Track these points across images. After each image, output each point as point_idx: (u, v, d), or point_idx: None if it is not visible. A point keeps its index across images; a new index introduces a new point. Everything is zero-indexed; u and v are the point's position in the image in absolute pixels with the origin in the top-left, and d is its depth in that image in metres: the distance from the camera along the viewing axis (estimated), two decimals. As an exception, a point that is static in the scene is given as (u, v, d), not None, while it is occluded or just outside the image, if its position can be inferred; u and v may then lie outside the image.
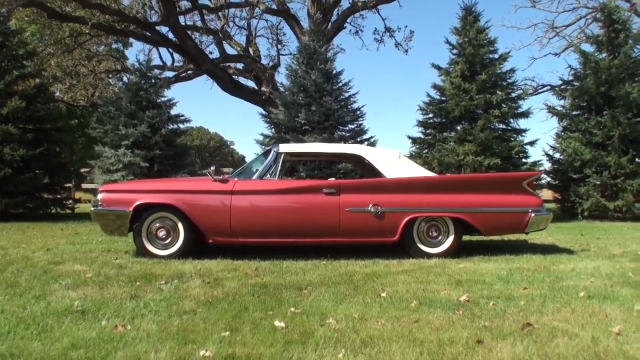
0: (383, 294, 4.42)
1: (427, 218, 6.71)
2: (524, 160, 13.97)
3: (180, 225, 6.57)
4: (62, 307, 3.92)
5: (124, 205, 6.50)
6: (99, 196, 6.63)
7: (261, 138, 14.23)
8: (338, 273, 5.51)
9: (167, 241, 6.59)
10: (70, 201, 15.31)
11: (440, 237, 6.77)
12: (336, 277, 5.27)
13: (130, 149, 13.29)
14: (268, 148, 7.43)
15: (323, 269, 5.81)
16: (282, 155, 6.93)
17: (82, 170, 16.18)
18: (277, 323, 3.53)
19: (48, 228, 10.74)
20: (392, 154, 7.04)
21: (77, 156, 26.45)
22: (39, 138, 13.11)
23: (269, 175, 6.79)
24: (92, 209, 6.65)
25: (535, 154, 60.58)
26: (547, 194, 15.65)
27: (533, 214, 6.67)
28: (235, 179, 6.73)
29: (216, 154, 72.28)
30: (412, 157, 14.43)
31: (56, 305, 3.98)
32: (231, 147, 79.98)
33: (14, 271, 5.41)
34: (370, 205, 6.49)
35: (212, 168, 6.92)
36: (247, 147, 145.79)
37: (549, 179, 14.69)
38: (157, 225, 6.60)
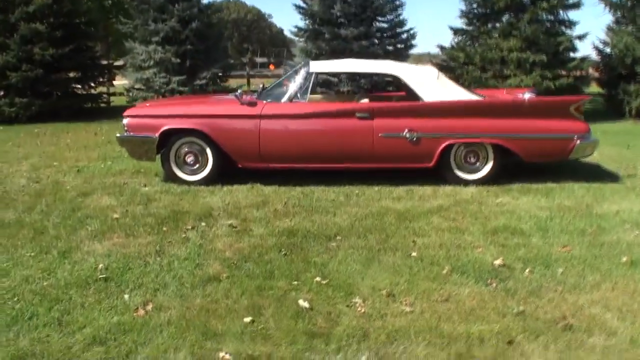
0: (414, 253, 4.25)
1: (466, 144, 6.39)
2: (571, 55, 13.11)
3: (208, 151, 6.42)
4: (86, 271, 3.88)
5: (150, 130, 6.33)
6: (124, 121, 6.46)
7: (295, 30, 13.64)
8: (370, 212, 5.35)
9: (196, 167, 6.47)
10: (105, 96, 15.20)
11: (478, 164, 6.48)
12: (367, 220, 5.10)
13: (161, 45, 12.91)
14: (299, 66, 7.03)
15: (354, 204, 5.66)
16: (313, 75, 6.56)
17: (116, 63, 15.86)
18: (301, 302, 3.42)
19: (82, 132, 10.75)
20: (430, 74, 6.60)
21: (113, 38, 25.72)
22: (68, 35, 12.77)
23: (299, 97, 6.47)
24: (118, 135, 6.51)
25: (584, 48, 57.56)
26: (594, 88, 14.83)
27: (578, 141, 6.28)
28: (264, 101, 6.43)
29: (253, 28, 70.54)
30: (453, 50, 13.72)
31: (80, 268, 3.94)
32: (269, 20, 77.85)
33: (43, 209, 5.39)
34: (406, 131, 6.19)
35: (239, 91, 6.65)
36: (286, 19, 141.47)
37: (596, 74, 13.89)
38: (185, 150, 6.46)
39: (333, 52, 12.37)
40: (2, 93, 12.53)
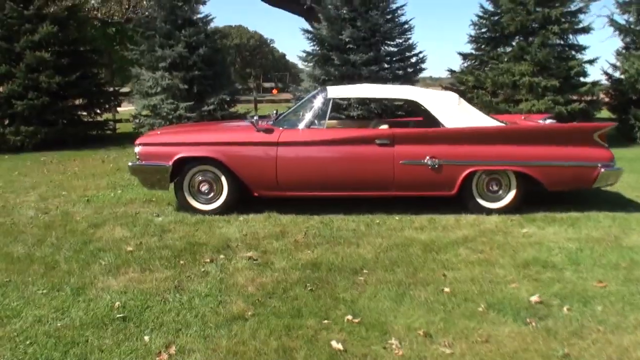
0: (446, 289, 4.03)
1: (488, 171, 6.20)
2: (582, 79, 12.95)
3: (223, 179, 6.22)
4: (102, 310, 3.67)
5: (163, 159, 6.14)
6: (136, 149, 6.28)
7: (304, 55, 13.50)
8: (394, 243, 5.13)
9: (210, 196, 6.27)
10: (111, 122, 15.07)
11: (500, 192, 6.27)
12: (392, 252, 4.89)
13: (168, 71, 12.78)
14: (315, 92, 6.88)
15: (376, 234, 5.44)
16: (331, 101, 6.40)
17: (121, 90, 15.69)
18: (334, 344, 3.19)
19: (89, 159, 10.58)
20: (451, 100, 6.43)
21: (117, 64, 25.70)
22: (74, 62, 12.67)
23: (316, 123, 6.31)
24: (130, 164, 6.33)
25: (594, 73, 57.77)
26: (605, 113, 14.65)
27: (602, 169, 6.08)
28: (281, 127, 6.25)
29: (256, 53, 70.93)
30: (462, 74, 13.58)
31: (96, 307, 3.72)
32: (271, 45, 78.37)
33: (54, 242, 5.18)
34: (427, 158, 6.00)
35: (255, 117, 6.49)
36: (288, 45, 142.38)
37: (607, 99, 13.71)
38: (200, 178, 6.27)
39: (342, 77, 12.24)
40: (7, 122, 12.37)
